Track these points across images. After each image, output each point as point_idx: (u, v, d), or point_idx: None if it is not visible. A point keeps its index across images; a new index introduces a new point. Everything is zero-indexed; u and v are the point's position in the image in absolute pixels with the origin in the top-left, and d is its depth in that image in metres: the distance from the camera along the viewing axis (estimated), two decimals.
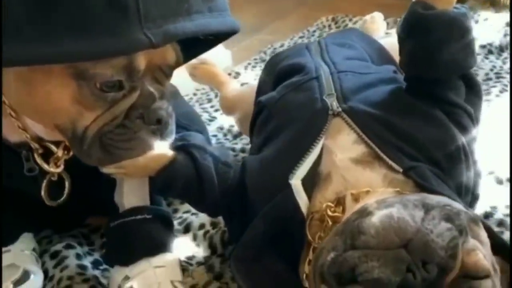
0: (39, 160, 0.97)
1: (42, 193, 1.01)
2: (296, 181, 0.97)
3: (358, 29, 1.69)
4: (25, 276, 1.14)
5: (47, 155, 0.99)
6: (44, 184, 1.01)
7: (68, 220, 1.28)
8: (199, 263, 1.18)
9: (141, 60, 0.80)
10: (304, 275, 0.93)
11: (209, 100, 1.95)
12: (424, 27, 0.99)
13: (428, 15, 0.98)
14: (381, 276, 0.73)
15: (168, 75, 0.88)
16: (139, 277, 1.06)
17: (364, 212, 0.81)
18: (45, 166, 0.98)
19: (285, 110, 1.11)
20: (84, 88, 0.79)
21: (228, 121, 1.74)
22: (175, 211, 1.36)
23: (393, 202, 0.81)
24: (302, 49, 1.30)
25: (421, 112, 1.01)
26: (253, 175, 1.03)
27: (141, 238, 1.09)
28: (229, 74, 2.18)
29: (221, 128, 1.75)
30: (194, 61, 1.71)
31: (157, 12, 0.75)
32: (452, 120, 1.00)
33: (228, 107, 1.60)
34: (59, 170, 1.00)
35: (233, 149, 1.58)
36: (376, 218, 0.78)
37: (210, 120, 1.82)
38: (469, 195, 1.01)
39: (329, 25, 2.60)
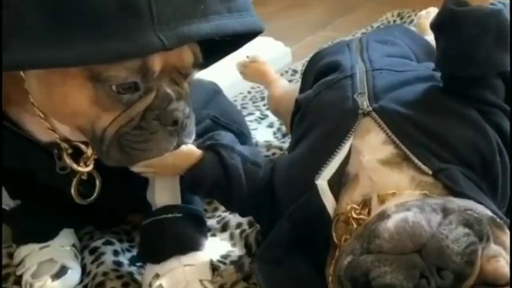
0: (68, 160, 1.00)
1: (72, 191, 1.04)
2: (322, 182, 0.97)
3: (403, 25, 1.66)
4: (63, 271, 1.20)
5: (78, 154, 1.02)
6: (73, 183, 1.04)
7: (109, 217, 1.32)
8: (233, 262, 1.20)
9: (155, 62, 0.81)
10: (330, 278, 0.92)
11: (263, 98, 1.95)
12: (456, 23, 0.97)
13: (460, 11, 0.96)
14: (394, 281, 0.73)
15: (186, 76, 0.89)
16: (168, 275, 1.09)
17: (383, 216, 0.81)
18: (74, 165, 1.01)
19: (318, 109, 1.11)
20: (100, 90, 0.81)
21: (279, 120, 1.74)
22: (215, 209, 1.38)
23: (411, 206, 0.80)
24: (342, 47, 1.29)
25: (455, 112, 0.98)
26: (281, 174, 1.04)
27: (172, 237, 1.12)
28: (286, 72, 2.18)
29: (270, 126, 1.76)
30: (244, 59, 1.73)
31: (171, 13, 0.76)
32: (488, 120, 0.97)
33: (274, 106, 1.61)
34: (88, 169, 1.02)
35: (281, 148, 1.59)
36: (391, 222, 0.78)
37: (262, 118, 1.83)
38: (506, 198, 0.98)
39: (394, 21, 2.55)
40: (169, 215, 1.13)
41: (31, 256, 1.23)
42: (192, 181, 1.07)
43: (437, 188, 0.91)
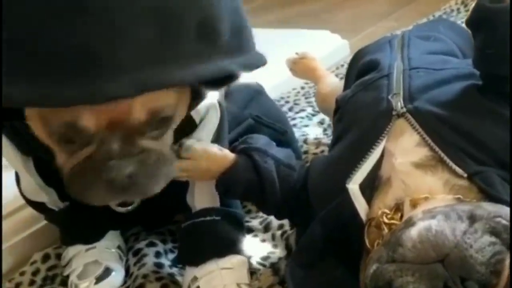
0: None
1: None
2: (353, 186, 0.96)
3: (448, 20, 1.60)
4: (106, 273, 1.24)
5: None
6: None
7: (155, 218, 1.35)
8: (272, 265, 1.20)
9: (85, 117, 0.73)
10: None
11: (314, 94, 1.94)
12: (490, 21, 0.94)
13: (494, 8, 0.93)
14: None
15: (142, 134, 0.80)
16: (205, 278, 1.11)
17: (409, 223, 0.79)
18: None
19: (353, 110, 1.10)
20: (49, 131, 0.78)
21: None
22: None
23: (436, 213, 0.78)
24: (384, 44, 1.27)
25: (491, 111, 0.95)
26: (314, 177, 1.04)
27: (210, 240, 1.14)
28: (342, 66, 2.16)
29: (321, 123, 1.75)
30: (294, 55, 1.73)
31: (130, 58, 0.69)
32: None
33: (321, 103, 1.60)
34: None
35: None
36: (415, 230, 0.76)
37: (313, 115, 1.83)
38: None
39: (458, 9, 2.48)
40: (207, 218, 1.14)
41: (78, 257, 1.27)
42: (225, 185, 1.09)
43: (472, 191, 0.89)
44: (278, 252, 1.24)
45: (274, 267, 1.18)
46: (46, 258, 1.34)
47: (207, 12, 0.73)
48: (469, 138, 0.93)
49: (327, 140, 1.62)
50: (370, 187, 0.95)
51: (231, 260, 1.14)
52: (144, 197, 0.87)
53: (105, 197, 0.83)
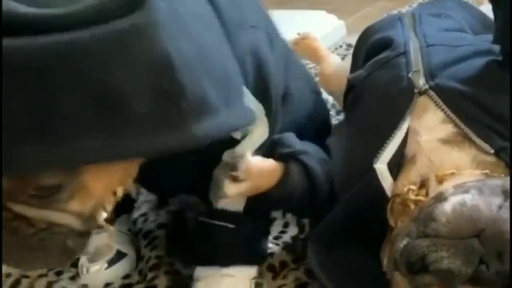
0: None
1: None
2: (381, 166, 0.95)
3: None
4: (119, 256, 1.22)
5: None
6: None
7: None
8: (285, 244, 1.19)
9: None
10: (384, 261, 0.91)
11: (316, 75, 1.93)
12: None
13: None
14: (451, 266, 0.72)
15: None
16: (203, 282, 1.08)
17: (440, 198, 0.79)
18: None
19: (371, 90, 1.09)
20: None
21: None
22: None
23: (469, 188, 0.78)
24: (394, 21, 1.26)
25: None
26: (336, 161, 1.03)
27: (217, 246, 1.08)
28: (340, 46, 2.15)
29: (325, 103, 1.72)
30: (295, 36, 1.71)
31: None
32: None
33: (324, 83, 1.59)
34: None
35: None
36: (449, 205, 0.76)
37: None
38: None
39: None
40: (221, 223, 1.06)
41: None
42: (281, 198, 1.00)
43: (499, 167, 0.89)
44: (290, 231, 1.23)
45: (289, 248, 1.17)
46: None
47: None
48: (493, 114, 0.93)
49: (332, 120, 1.61)
50: (397, 165, 0.95)
51: (236, 269, 1.08)
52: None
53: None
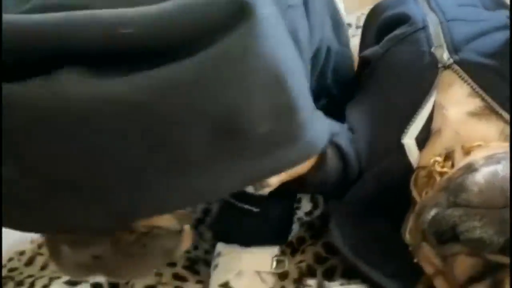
0: None
1: None
2: (409, 141, 0.96)
3: None
4: None
5: None
6: None
7: None
8: (299, 220, 1.18)
9: None
10: (407, 231, 0.92)
11: None
12: None
13: None
14: (483, 236, 0.73)
15: None
16: (225, 257, 1.07)
17: (470, 168, 0.80)
18: None
19: (390, 66, 1.08)
20: None
21: None
22: None
23: (500, 159, 0.79)
24: None
25: None
26: (364, 139, 1.02)
27: (241, 227, 1.08)
28: None
29: None
30: None
31: None
32: None
33: None
34: None
35: None
36: (480, 175, 0.77)
37: None
38: None
39: None
40: (246, 206, 1.05)
41: None
42: (319, 182, 0.98)
43: None
44: (303, 206, 1.21)
45: (305, 224, 1.17)
46: None
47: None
48: None
49: None
50: (424, 140, 0.96)
51: (258, 248, 1.08)
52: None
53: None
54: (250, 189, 0.99)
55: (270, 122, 0.66)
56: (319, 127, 0.73)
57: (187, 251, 1.15)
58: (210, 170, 0.65)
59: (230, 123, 0.63)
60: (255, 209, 1.04)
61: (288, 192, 1.05)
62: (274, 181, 0.90)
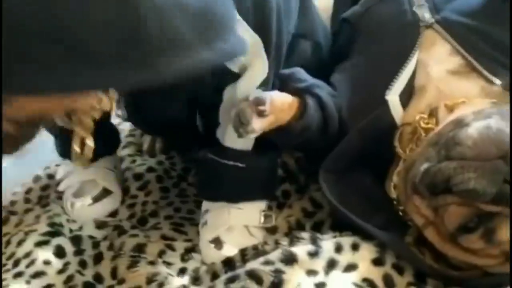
0: None
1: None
2: (393, 97, 0.99)
3: None
4: (104, 194, 1.21)
5: None
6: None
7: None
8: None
9: None
10: (392, 186, 0.97)
11: None
12: None
13: None
14: (477, 187, 0.76)
15: None
16: (214, 213, 1.09)
17: (461, 123, 0.83)
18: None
19: (372, 25, 1.11)
20: None
21: None
22: None
23: (490, 113, 0.82)
24: None
25: None
26: (345, 97, 1.05)
27: (227, 185, 1.08)
28: None
29: None
30: None
31: None
32: None
33: None
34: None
35: None
36: (474, 129, 0.80)
37: None
38: None
39: None
40: (231, 163, 1.06)
41: (75, 173, 1.23)
42: (300, 130, 0.99)
43: (506, 97, 0.94)
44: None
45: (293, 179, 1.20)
46: (36, 179, 1.31)
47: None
48: (499, 47, 0.98)
49: None
50: (407, 96, 0.99)
51: (245, 204, 1.08)
52: None
53: None
54: (234, 139, 1.01)
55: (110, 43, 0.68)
56: (186, 62, 0.74)
57: (169, 216, 1.17)
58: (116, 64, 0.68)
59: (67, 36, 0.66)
60: (240, 165, 1.06)
61: (272, 146, 1.07)
62: (259, 126, 0.92)
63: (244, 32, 0.90)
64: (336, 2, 1.34)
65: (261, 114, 0.91)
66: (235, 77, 0.98)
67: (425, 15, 1.03)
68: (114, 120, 1.35)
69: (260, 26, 0.96)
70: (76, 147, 0.92)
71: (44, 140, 1.24)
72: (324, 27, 1.25)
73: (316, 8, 1.23)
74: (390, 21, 1.07)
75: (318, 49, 1.17)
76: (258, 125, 0.91)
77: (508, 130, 0.78)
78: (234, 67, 0.96)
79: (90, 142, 0.91)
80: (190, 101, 1.07)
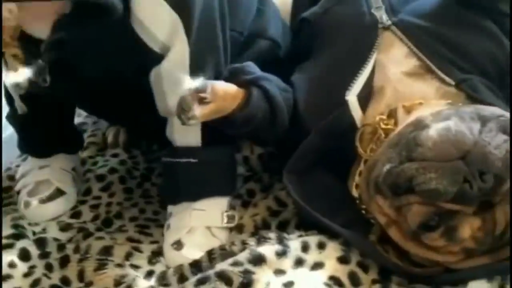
0: None
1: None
2: (352, 97, 1.01)
3: None
4: (57, 194, 1.21)
5: None
6: None
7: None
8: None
9: None
10: (354, 185, 1.00)
11: None
12: None
13: None
14: (438, 187, 0.79)
15: None
16: (176, 217, 1.09)
17: (420, 125, 0.86)
18: None
19: (331, 26, 1.14)
20: None
21: None
22: None
23: (449, 115, 0.85)
24: None
25: (472, 23, 1.04)
26: (304, 95, 1.07)
27: (184, 183, 1.10)
28: None
29: None
30: None
31: None
32: (503, 31, 1.03)
33: None
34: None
35: None
36: (433, 130, 0.83)
37: None
38: None
39: None
40: (183, 160, 1.08)
41: (31, 174, 1.23)
42: (244, 119, 1.01)
43: (460, 98, 0.98)
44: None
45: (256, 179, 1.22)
46: None
47: None
48: (453, 48, 1.02)
49: None
50: (366, 97, 1.01)
51: (206, 203, 1.09)
52: None
53: None
54: (183, 133, 1.05)
55: None
56: None
57: (134, 218, 1.18)
58: None
59: None
60: (192, 160, 1.07)
61: (224, 141, 1.10)
62: (200, 112, 0.94)
63: (160, 8, 0.94)
64: (295, 1, 1.36)
65: (202, 101, 0.93)
66: (158, 58, 1.00)
67: (383, 16, 1.07)
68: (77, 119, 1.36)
69: (179, 5, 0.97)
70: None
71: (6, 141, 1.28)
72: (284, 24, 1.27)
73: (276, 6, 1.26)
74: (349, 23, 1.10)
75: (275, 48, 1.20)
76: (199, 111, 0.93)
77: (467, 131, 0.81)
78: (154, 45, 0.98)
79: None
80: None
